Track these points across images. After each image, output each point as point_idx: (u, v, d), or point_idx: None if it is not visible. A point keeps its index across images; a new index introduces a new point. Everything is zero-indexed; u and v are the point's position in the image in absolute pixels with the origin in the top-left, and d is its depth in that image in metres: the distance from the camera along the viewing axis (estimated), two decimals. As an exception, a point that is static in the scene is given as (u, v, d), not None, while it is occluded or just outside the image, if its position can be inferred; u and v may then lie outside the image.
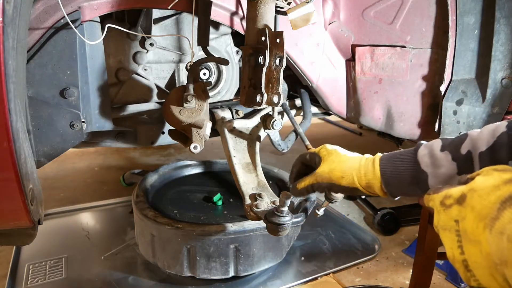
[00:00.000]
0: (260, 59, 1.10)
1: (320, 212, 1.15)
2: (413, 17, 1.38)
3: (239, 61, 1.62)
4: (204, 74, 1.54)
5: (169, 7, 1.22)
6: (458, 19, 1.28)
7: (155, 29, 1.40)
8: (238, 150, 1.31)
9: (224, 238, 1.22)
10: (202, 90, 1.24)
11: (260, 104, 1.11)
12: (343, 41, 1.51)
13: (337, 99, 1.60)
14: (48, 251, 1.50)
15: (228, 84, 1.62)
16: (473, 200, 0.47)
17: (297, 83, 1.68)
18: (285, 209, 1.00)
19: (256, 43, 1.13)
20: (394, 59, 1.43)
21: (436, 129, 1.40)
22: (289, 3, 1.20)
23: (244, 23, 1.37)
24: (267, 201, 1.12)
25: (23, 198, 0.74)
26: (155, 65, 1.47)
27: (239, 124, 1.37)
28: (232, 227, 1.22)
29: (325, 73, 1.54)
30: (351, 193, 0.83)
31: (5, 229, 0.83)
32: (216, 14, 1.33)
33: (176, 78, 1.51)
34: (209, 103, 1.38)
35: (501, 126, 0.68)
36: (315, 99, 1.67)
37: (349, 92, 1.59)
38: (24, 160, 0.75)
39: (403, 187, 0.76)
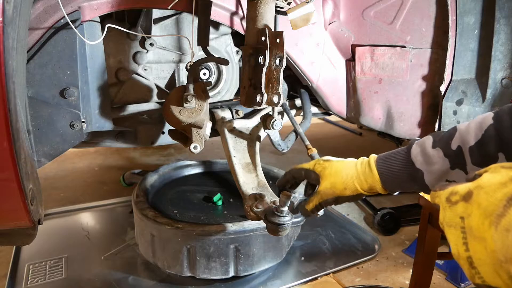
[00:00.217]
0: (260, 59, 1.10)
1: (320, 212, 1.15)
2: (413, 17, 1.38)
3: (239, 61, 1.62)
4: (204, 74, 1.54)
5: (169, 7, 1.22)
6: (458, 19, 1.28)
7: (155, 29, 1.40)
8: (238, 150, 1.31)
9: (224, 238, 1.22)
10: (202, 90, 1.24)
11: (260, 104, 1.11)
12: (343, 41, 1.52)
13: (337, 99, 1.60)
14: (48, 251, 1.50)
15: (228, 84, 1.62)
16: (480, 197, 0.47)
17: (297, 83, 1.68)
18: (285, 209, 1.00)
19: (256, 43, 1.13)
20: (394, 59, 1.43)
21: (436, 129, 1.40)
22: (289, 3, 1.21)
23: (244, 23, 1.37)
24: (267, 201, 1.12)
25: (23, 198, 0.74)
26: (155, 65, 1.47)
27: (239, 124, 1.37)
28: (232, 227, 1.22)
29: (325, 73, 1.54)
30: (356, 199, 0.85)
31: (5, 229, 0.83)
32: (216, 14, 1.33)
33: (176, 78, 1.51)
34: (209, 103, 1.38)
35: (487, 118, 0.68)
36: (315, 99, 1.67)
37: (349, 92, 1.59)
38: (24, 160, 0.75)
39: (402, 185, 0.79)
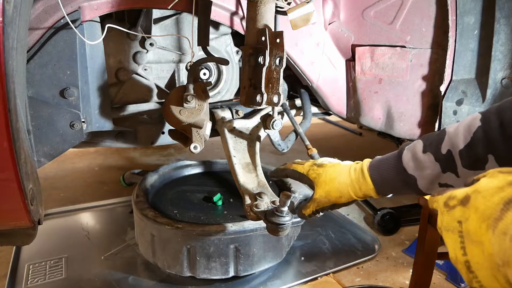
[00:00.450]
0: (260, 59, 1.10)
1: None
2: (413, 17, 1.38)
3: (239, 61, 1.62)
4: (204, 74, 1.54)
5: (169, 7, 1.22)
6: (458, 19, 1.28)
7: (155, 29, 1.40)
8: (238, 150, 1.31)
9: (224, 238, 1.22)
10: (202, 90, 1.24)
11: (260, 104, 1.11)
12: (343, 41, 1.51)
13: (337, 99, 1.60)
14: (48, 251, 1.50)
15: (228, 84, 1.62)
16: (477, 201, 0.47)
17: (297, 83, 1.68)
18: (285, 209, 1.00)
19: (256, 43, 1.13)
20: (394, 59, 1.43)
21: (436, 129, 1.40)
22: (289, 3, 1.20)
23: (244, 23, 1.37)
24: (267, 201, 1.12)
25: (23, 198, 0.74)
26: (155, 65, 1.47)
27: (239, 124, 1.37)
28: (232, 227, 1.22)
29: (325, 73, 1.54)
30: (351, 204, 0.87)
31: (5, 229, 0.83)
32: (216, 14, 1.33)
33: (176, 78, 1.51)
34: (209, 103, 1.38)
35: (475, 120, 0.68)
36: (315, 99, 1.67)
37: (349, 92, 1.59)
38: (24, 160, 0.75)
39: (396, 190, 0.80)
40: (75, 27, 1.08)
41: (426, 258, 1.14)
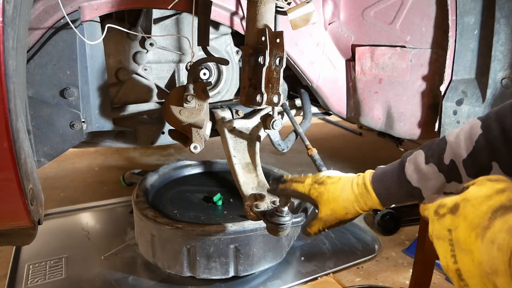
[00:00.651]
0: (260, 59, 1.10)
1: None
2: (413, 17, 1.38)
3: (239, 61, 1.62)
4: (204, 74, 1.54)
5: (169, 7, 1.22)
6: (458, 19, 1.28)
7: (155, 29, 1.40)
8: (238, 150, 1.31)
9: (224, 238, 1.22)
10: (202, 90, 1.24)
11: (260, 104, 1.11)
12: (343, 41, 1.51)
13: (337, 99, 1.60)
14: (48, 251, 1.50)
15: (228, 84, 1.62)
16: (466, 209, 0.48)
17: (297, 83, 1.68)
18: (285, 209, 1.00)
19: (256, 43, 1.13)
20: (394, 59, 1.43)
21: (436, 129, 1.40)
22: (289, 3, 1.20)
23: (244, 23, 1.37)
24: (267, 201, 1.12)
25: (23, 198, 0.74)
26: (155, 65, 1.47)
27: (239, 124, 1.37)
28: (232, 227, 1.22)
29: (325, 73, 1.54)
30: (356, 217, 0.86)
31: (5, 229, 0.83)
32: (216, 14, 1.33)
33: (176, 78, 1.51)
34: (209, 103, 1.38)
35: (475, 127, 0.68)
36: (315, 99, 1.67)
37: (349, 92, 1.59)
38: (24, 160, 0.75)
39: (401, 201, 0.80)
40: (75, 27, 1.08)
41: (426, 258, 1.14)
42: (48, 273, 1.38)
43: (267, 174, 1.47)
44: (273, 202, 1.12)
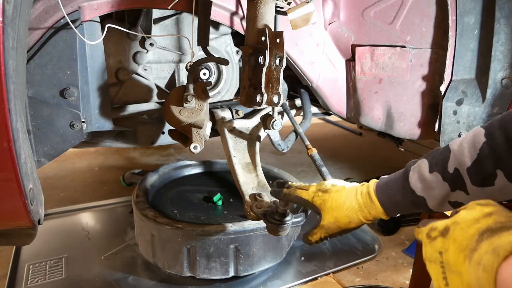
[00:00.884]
0: (260, 59, 1.10)
1: None
2: (413, 17, 1.38)
3: (239, 61, 1.62)
4: (204, 74, 1.54)
5: (169, 7, 1.22)
6: (458, 19, 1.28)
7: (155, 29, 1.40)
8: (238, 150, 1.31)
9: (224, 238, 1.22)
10: (202, 90, 1.24)
11: (260, 104, 1.11)
12: (343, 41, 1.51)
13: (337, 99, 1.60)
14: (48, 251, 1.50)
15: (228, 84, 1.62)
16: (455, 232, 0.50)
17: (297, 83, 1.68)
18: (285, 209, 1.00)
19: (256, 43, 1.13)
20: (394, 59, 1.43)
21: (436, 129, 1.40)
22: (289, 3, 1.20)
23: (244, 23, 1.37)
24: (267, 201, 1.12)
25: (23, 198, 0.74)
26: (155, 65, 1.47)
27: (239, 124, 1.37)
28: (232, 227, 1.22)
29: (325, 73, 1.54)
30: (360, 227, 0.86)
31: (5, 229, 0.83)
32: (216, 14, 1.33)
33: (176, 78, 1.51)
34: (209, 103, 1.38)
35: (479, 135, 0.68)
36: (315, 99, 1.67)
37: (349, 92, 1.59)
38: (24, 160, 0.75)
39: (406, 210, 0.79)
40: (75, 27, 1.08)
41: (426, 258, 1.14)
42: (48, 273, 1.38)
43: (267, 174, 1.47)
44: (273, 202, 1.12)
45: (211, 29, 1.45)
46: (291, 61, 1.47)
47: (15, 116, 0.71)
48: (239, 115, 1.46)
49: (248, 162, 1.29)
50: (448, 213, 0.87)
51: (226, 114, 1.43)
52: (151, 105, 1.51)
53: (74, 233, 1.66)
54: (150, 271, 1.40)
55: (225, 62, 1.31)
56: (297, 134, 1.49)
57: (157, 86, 1.50)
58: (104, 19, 1.29)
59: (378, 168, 2.44)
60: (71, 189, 2.18)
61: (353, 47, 1.50)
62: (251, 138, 1.35)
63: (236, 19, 1.37)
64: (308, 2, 1.18)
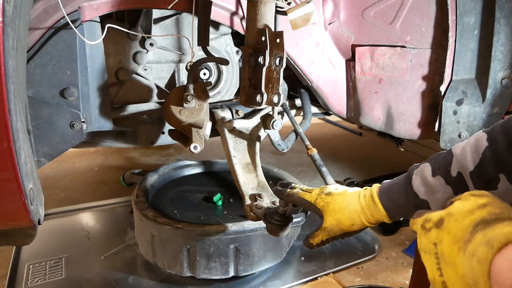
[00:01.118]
0: (260, 59, 1.10)
1: None
2: (413, 17, 1.38)
3: (239, 61, 1.62)
4: (204, 74, 1.54)
5: (169, 7, 1.22)
6: (458, 19, 1.28)
7: (155, 29, 1.40)
8: (238, 150, 1.31)
9: (224, 238, 1.22)
10: (202, 90, 1.24)
11: (260, 104, 1.11)
12: (343, 41, 1.51)
13: (337, 99, 1.60)
14: (48, 251, 1.50)
15: (228, 84, 1.62)
16: (450, 223, 0.50)
17: (297, 83, 1.68)
18: (285, 209, 1.00)
19: (256, 43, 1.13)
20: (394, 59, 1.43)
21: (436, 129, 1.40)
22: (289, 3, 1.20)
23: (244, 23, 1.37)
24: (267, 201, 1.12)
25: (23, 198, 0.74)
26: (155, 65, 1.47)
27: (239, 124, 1.37)
28: (232, 227, 1.22)
29: (325, 73, 1.54)
30: (362, 231, 0.86)
31: (5, 229, 0.83)
32: (216, 14, 1.33)
33: (176, 78, 1.51)
34: (209, 103, 1.38)
35: (481, 139, 0.68)
36: (315, 99, 1.67)
37: (349, 92, 1.59)
38: (24, 160, 0.75)
39: (409, 214, 0.79)
40: (75, 27, 1.08)
41: (426, 258, 1.14)
42: (48, 273, 1.38)
43: (267, 174, 1.47)
44: (273, 203, 1.12)
45: (211, 29, 1.45)
46: (291, 61, 1.47)
47: (15, 116, 0.71)
48: (239, 115, 1.46)
49: (248, 162, 1.29)
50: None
51: (226, 114, 1.43)
52: (151, 105, 1.51)
53: (74, 233, 1.66)
54: (150, 271, 1.40)
55: (225, 62, 1.31)
56: (297, 134, 1.49)
57: (157, 86, 1.50)
58: (104, 19, 1.29)
59: (378, 168, 2.44)
60: (71, 189, 2.18)
61: (353, 47, 1.50)
62: (251, 138, 1.35)
63: (236, 19, 1.37)
64: (308, 2, 1.18)
